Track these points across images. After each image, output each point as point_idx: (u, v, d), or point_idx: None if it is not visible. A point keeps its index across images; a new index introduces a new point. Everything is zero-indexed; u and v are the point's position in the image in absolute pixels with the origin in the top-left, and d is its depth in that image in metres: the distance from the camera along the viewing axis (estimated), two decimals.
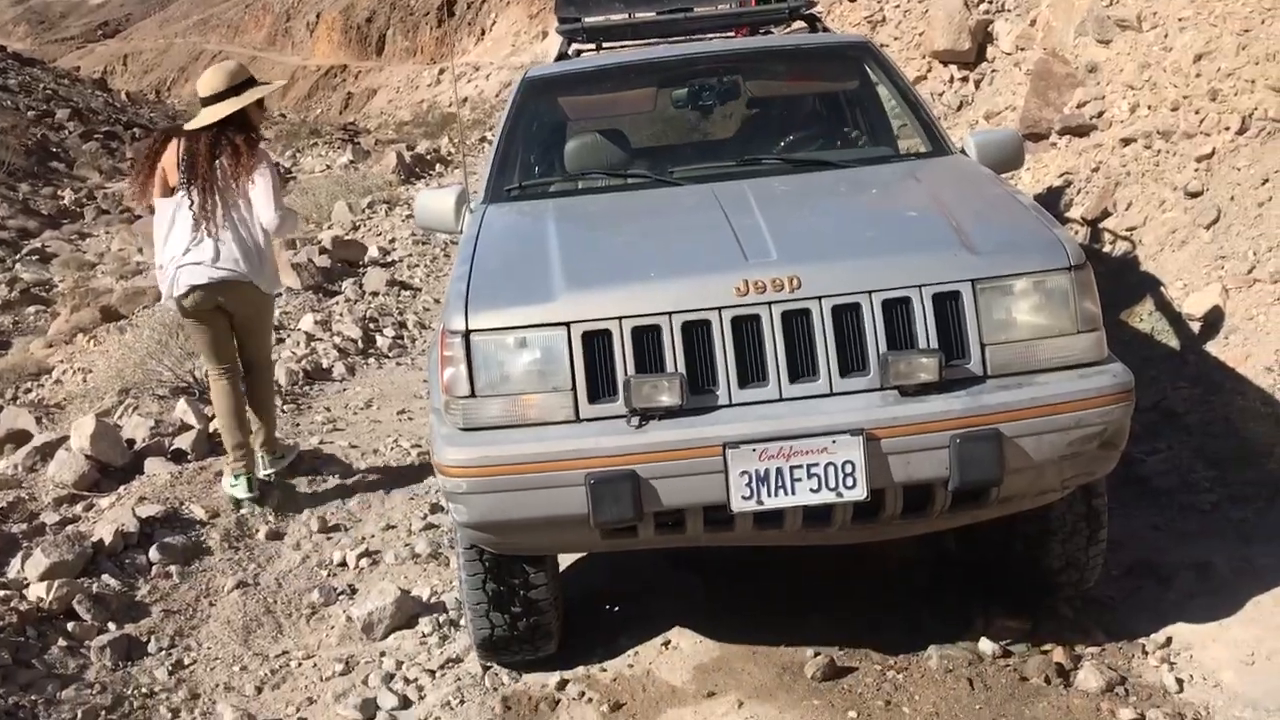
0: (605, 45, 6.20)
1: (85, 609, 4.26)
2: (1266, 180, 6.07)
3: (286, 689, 3.91)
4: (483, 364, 3.20)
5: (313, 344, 8.23)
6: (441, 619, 4.26)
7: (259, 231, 5.07)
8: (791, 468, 3.04)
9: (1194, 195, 6.47)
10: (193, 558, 4.76)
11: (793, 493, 3.05)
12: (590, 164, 4.82)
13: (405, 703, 3.75)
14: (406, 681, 3.87)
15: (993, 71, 11.35)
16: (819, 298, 3.13)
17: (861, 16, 14.21)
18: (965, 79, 11.62)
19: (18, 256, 15.49)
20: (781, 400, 3.12)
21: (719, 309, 3.14)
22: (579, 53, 6.21)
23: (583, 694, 3.67)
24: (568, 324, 3.17)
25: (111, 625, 4.25)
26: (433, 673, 3.91)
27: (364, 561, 4.81)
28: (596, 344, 3.16)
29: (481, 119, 34.52)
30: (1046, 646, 3.69)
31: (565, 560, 4.35)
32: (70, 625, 4.19)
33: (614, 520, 3.09)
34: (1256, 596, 3.74)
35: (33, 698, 3.74)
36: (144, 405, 6.58)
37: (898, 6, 13.82)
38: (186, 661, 4.09)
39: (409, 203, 16.10)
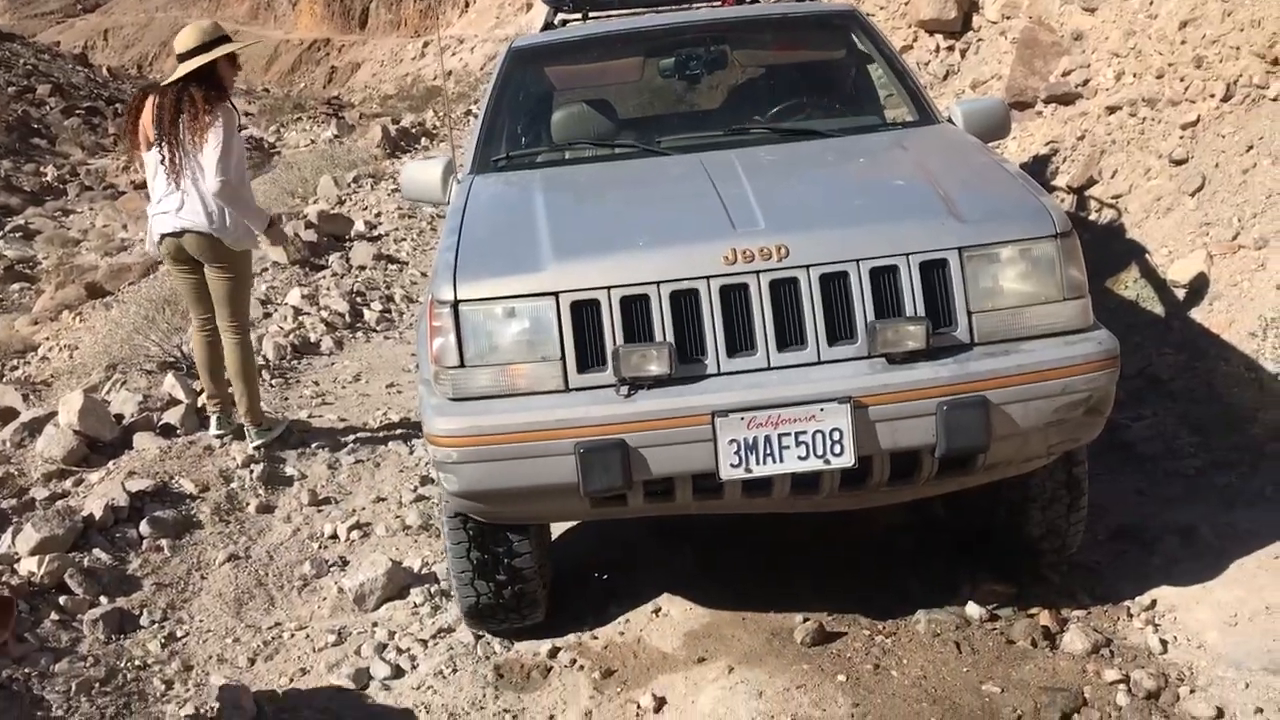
0: (591, 15, 6.17)
1: (77, 583, 4.27)
2: (1251, 147, 6.09)
3: (279, 660, 3.93)
4: (471, 334, 3.20)
5: (300, 318, 8.20)
6: (433, 589, 4.29)
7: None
8: (780, 435, 3.06)
9: (1179, 163, 6.50)
10: (183, 531, 4.77)
11: (781, 460, 3.07)
12: (577, 134, 4.82)
13: (398, 672, 3.78)
14: (399, 651, 3.89)
15: (979, 40, 11.35)
16: (807, 266, 3.14)
17: None
18: (951, 48, 11.61)
19: (1, 234, 15.39)
20: (770, 369, 3.14)
21: (707, 278, 3.15)
22: (565, 23, 6.18)
23: (574, 661, 3.70)
24: (556, 294, 3.17)
25: (103, 599, 4.26)
26: (425, 642, 3.94)
27: (355, 534, 4.82)
28: (585, 314, 3.17)
29: (466, 92, 34.30)
30: (1033, 610, 3.73)
31: (556, 530, 4.38)
32: (62, 599, 4.20)
33: (603, 489, 3.11)
34: (1239, 559, 3.78)
35: (26, 670, 3.75)
36: (132, 380, 6.56)
37: None
38: (179, 634, 4.11)
39: (394, 176, 16.02)
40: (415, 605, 4.18)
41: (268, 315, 8.31)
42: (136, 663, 3.89)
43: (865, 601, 3.80)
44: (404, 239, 11.40)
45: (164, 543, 4.66)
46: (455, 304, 3.21)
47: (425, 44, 51.98)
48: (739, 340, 3.16)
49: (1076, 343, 3.19)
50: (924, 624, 3.66)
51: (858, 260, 3.15)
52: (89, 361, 7.54)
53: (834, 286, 3.16)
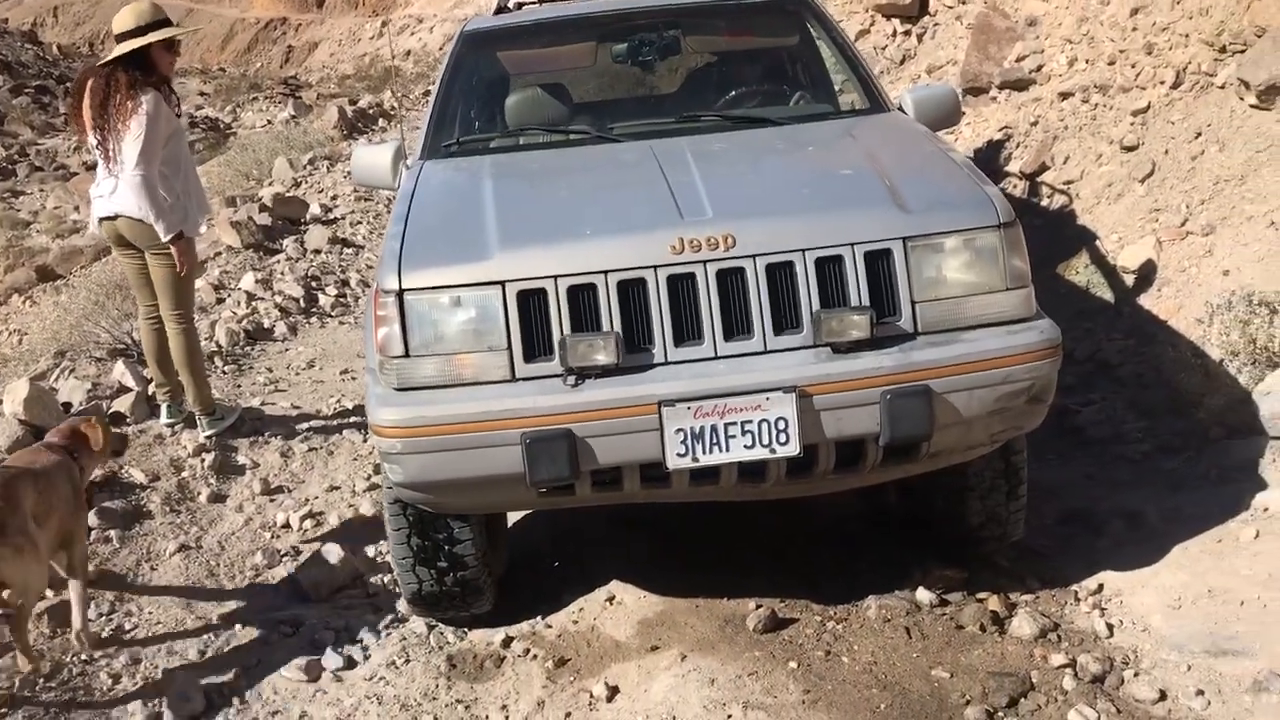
0: None
1: None
2: (1199, 134, 6.16)
3: (230, 652, 3.90)
4: (417, 323, 3.20)
5: (254, 303, 8.12)
6: (386, 579, 4.28)
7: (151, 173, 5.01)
8: (726, 425, 3.08)
9: (1130, 149, 6.57)
10: (133, 522, 4.71)
11: (727, 449, 3.10)
12: (530, 119, 4.80)
13: (350, 663, 3.76)
14: (352, 642, 3.88)
15: (935, 25, 11.40)
16: (753, 256, 3.16)
17: None
18: (908, 32, 11.65)
19: None
20: (716, 358, 3.16)
21: (655, 267, 3.16)
22: (520, 5, 6.13)
23: (528, 651, 3.70)
24: (503, 283, 3.17)
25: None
26: (378, 633, 3.92)
27: (308, 523, 4.79)
28: (532, 303, 3.17)
29: (424, 72, 34.03)
30: (982, 595, 3.77)
31: (511, 517, 4.38)
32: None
33: (550, 479, 3.12)
34: (1183, 543, 3.84)
35: None
36: (80, 368, 6.47)
37: None
38: (128, 626, 4.06)
39: (351, 158, 15.84)
40: (368, 595, 4.16)
41: (221, 300, 8.22)
42: (83, 656, 3.85)
43: (817, 588, 3.83)
44: (360, 222, 11.31)
45: (113, 533, 4.60)
46: (400, 293, 3.20)
47: (383, 23, 51.50)
48: (686, 330, 3.17)
49: (1019, 332, 3.23)
50: (875, 610, 3.69)
51: (803, 250, 3.18)
52: (37, 348, 7.43)
53: (780, 276, 3.18)
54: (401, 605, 4.04)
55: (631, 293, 3.17)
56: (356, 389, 6.34)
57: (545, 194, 3.95)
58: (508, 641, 3.76)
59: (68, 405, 5.72)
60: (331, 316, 8.23)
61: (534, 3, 6.12)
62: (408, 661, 3.73)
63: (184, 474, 5.13)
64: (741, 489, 3.34)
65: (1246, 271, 5.20)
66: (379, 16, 55.63)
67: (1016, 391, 3.21)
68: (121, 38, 5.03)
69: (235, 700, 3.62)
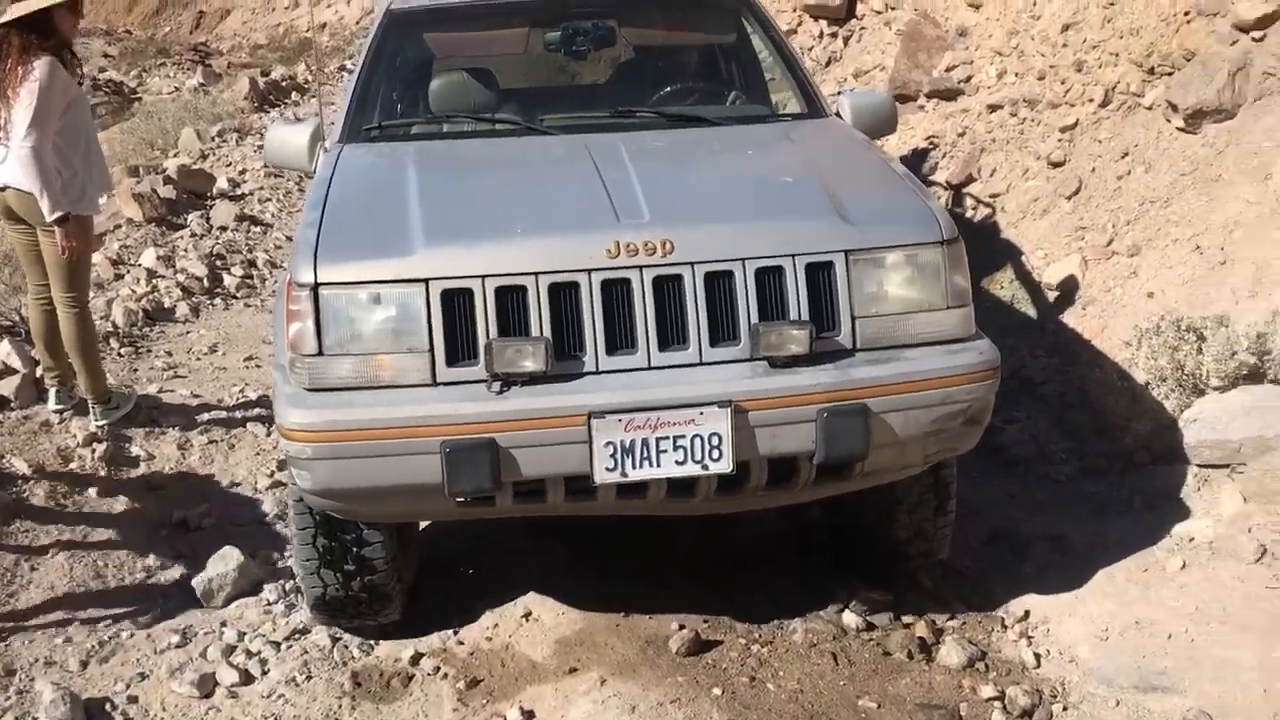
0: None
1: None
2: (1126, 154, 6.18)
3: (115, 663, 3.64)
4: (332, 320, 3.01)
5: (154, 281, 7.74)
6: (288, 586, 4.05)
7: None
8: (658, 439, 2.96)
9: (1056, 165, 6.57)
10: (12, 517, 4.38)
11: (658, 465, 2.98)
12: (456, 105, 4.61)
13: (247, 678, 3.53)
14: (249, 654, 3.65)
15: (862, 29, 11.36)
16: (692, 263, 3.04)
17: None
18: (835, 34, 11.60)
19: None
20: (650, 369, 3.03)
21: (589, 271, 3.02)
22: None
23: (438, 669, 3.51)
24: (426, 280, 3.00)
25: None
26: (277, 645, 3.70)
27: (205, 522, 4.53)
28: (457, 303, 3.01)
29: (340, 46, 33.21)
30: (908, 619, 3.70)
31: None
32: None
33: (470, 491, 2.97)
34: (1108, 569, 3.80)
35: None
36: None
37: None
38: (2, 633, 3.77)
39: (262, 132, 15.35)
40: (268, 603, 3.94)
41: (119, 277, 7.82)
42: None
43: (741, 608, 3.71)
44: (269, 199, 10.91)
45: None
46: (315, 286, 3.00)
47: None
48: (619, 338, 3.04)
49: (958, 352, 3.17)
50: (801, 633, 3.58)
51: (743, 259, 3.07)
52: None
53: (718, 285, 3.06)
54: (303, 616, 3.81)
55: (563, 297, 3.02)
56: (260, 378, 6.05)
57: (473, 187, 3.75)
58: (417, 658, 3.57)
59: None
60: (236, 298, 7.89)
61: None
62: (309, 678, 3.51)
63: (72, 465, 4.82)
64: (669, 504, 3.21)
65: (1171, 294, 5.21)
66: None
67: (954, 413, 3.15)
68: None
69: (119, 717, 3.37)
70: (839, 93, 6.99)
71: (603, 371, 3.01)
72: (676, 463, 2.97)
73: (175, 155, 13.12)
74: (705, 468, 2.98)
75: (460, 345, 3.00)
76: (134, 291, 7.40)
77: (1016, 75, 7.31)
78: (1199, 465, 4.08)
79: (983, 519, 4.35)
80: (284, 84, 20.79)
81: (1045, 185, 6.56)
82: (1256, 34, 5.67)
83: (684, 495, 3.15)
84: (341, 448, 2.96)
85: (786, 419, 3.01)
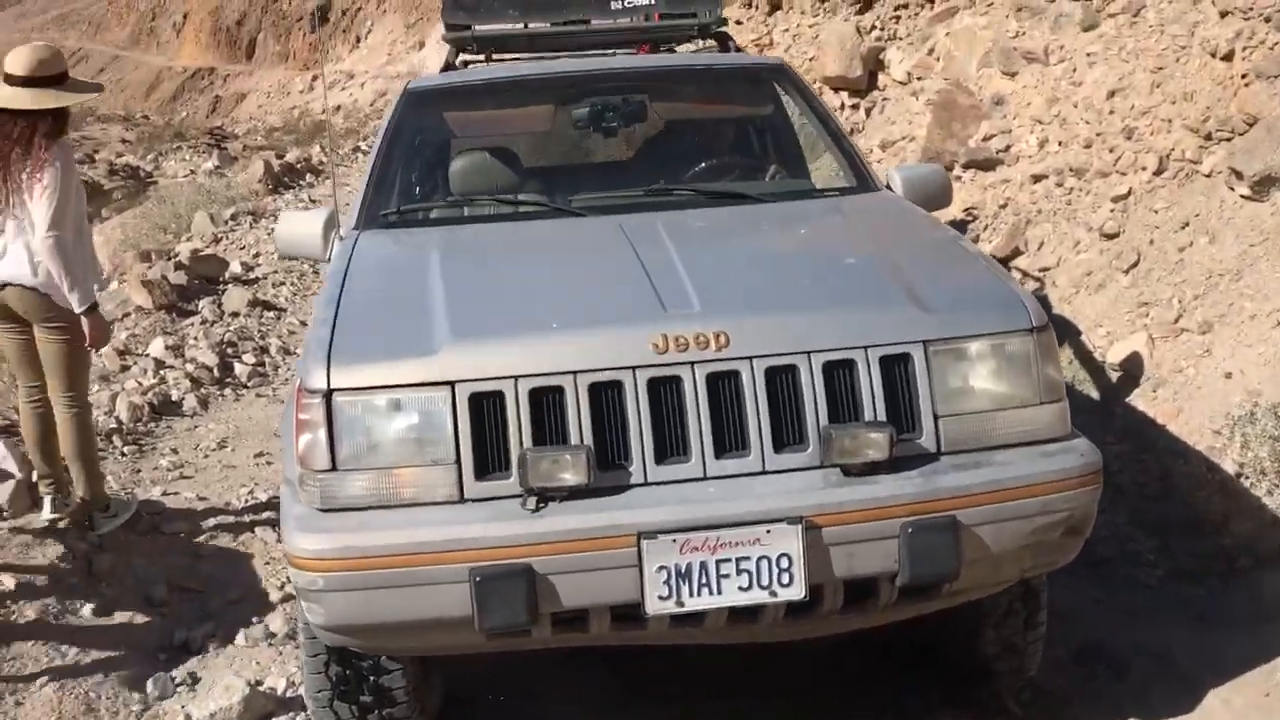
0: (496, 57, 5.66)
1: None
2: (1187, 224, 5.84)
3: None
4: (346, 430, 2.67)
5: (162, 372, 7.42)
6: (300, 718, 3.63)
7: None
8: (718, 561, 2.60)
9: (1110, 236, 6.23)
10: None
11: (719, 592, 2.61)
12: (480, 188, 4.28)
13: None
14: None
15: (884, 100, 11.17)
16: (750, 358, 2.71)
17: (748, 40, 13.95)
18: (856, 106, 11.41)
19: None
20: (706, 479, 2.68)
21: (633, 369, 2.68)
22: (467, 64, 5.65)
23: None
24: (452, 383, 2.68)
25: None
26: None
27: (209, 643, 4.13)
28: (486, 408, 2.67)
29: (355, 128, 33.55)
30: None
31: None
32: None
33: (504, 626, 2.61)
34: (1222, 692, 3.37)
35: None
36: None
37: (786, 30, 13.56)
38: None
39: (276, 214, 15.21)
40: None
41: (125, 368, 7.49)
42: None
43: None
44: (283, 283, 10.66)
45: None
46: (328, 393, 2.67)
47: (314, 77, 50.97)
48: (670, 444, 2.69)
49: (1055, 454, 2.81)
50: None
51: (809, 352, 2.72)
52: None
53: (781, 382, 2.72)
54: None
55: (605, 398, 2.68)
56: (271, 476, 5.68)
57: (501, 277, 3.41)
58: None
59: None
60: (248, 388, 7.56)
61: (480, 62, 5.64)
62: None
63: (66, 580, 4.43)
64: (730, 632, 2.84)
65: (1253, 375, 4.82)
66: (309, 70, 55.04)
67: (1054, 524, 2.78)
68: (25, 81, 4.39)
69: None
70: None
71: (652, 483, 2.67)
72: (740, 589, 2.61)
73: (188, 239, 12.94)
74: (774, 594, 2.62)
75: (490, 456, 2.67)
76: (140, 384, 7.08)
77: (1060, 144, 7.00)
78: None
79: (1070, 629, 3.91)
80: (299, 166, 20.76)
81: (1099, 258, 6.20)
82: None
83: (747, 622, 2.78)
84: (358, 578, 2.61)
85: (866, 535, 2.65)
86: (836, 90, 11.76)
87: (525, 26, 5.46)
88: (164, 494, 5.38)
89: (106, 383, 6.98)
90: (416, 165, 4.53)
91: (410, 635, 2.76)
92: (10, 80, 4.37)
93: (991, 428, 2.80)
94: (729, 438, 2.70)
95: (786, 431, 2.71)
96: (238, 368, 7.84)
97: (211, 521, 5.08)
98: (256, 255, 11.97)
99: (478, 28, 5.40)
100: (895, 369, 2.76)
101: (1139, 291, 5.78)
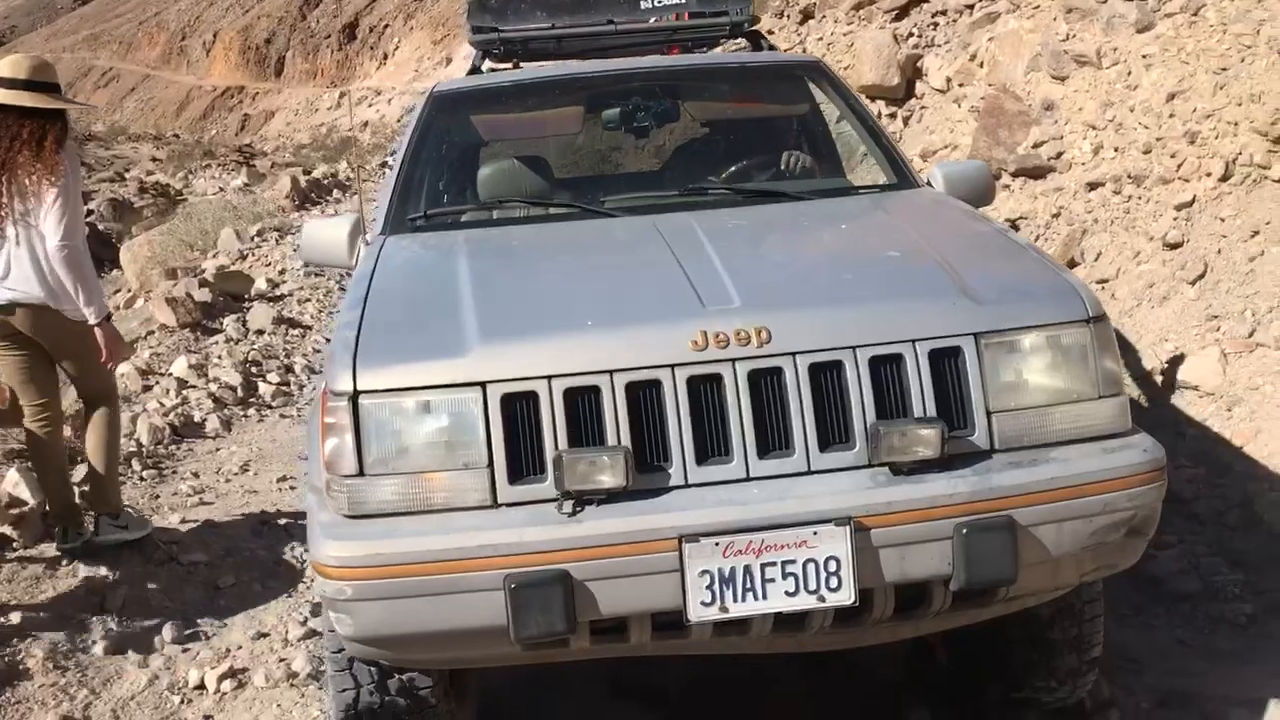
0: (523, 61, 5.44)
1: None
2: (1257, 233, 5.51)
3: None
4: (375, 434, 2.57)
5: (184, 392, 7.22)
6: None
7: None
8: (763, 565, 2.49)
9: (1173, 246, 5.91)
10: (4, 684, 3.77)
11: (764, 596, 2.50)
12: (508, 191, 4.18)
13: None
14: None
15: (921, 108, 10.91)
16: (793, 354, 2.59)
17: (782, 49, 13.74)
18: (894, 115, 11.16)
19: None
20: (749, 480, 2.57)
21: (672, 366, 2.57)
22: (493, 69, 5.44)
23: None
24: (483, 384, 2.57)
25: None
26: None
27: (227, 684, 3.87)
28: (519, 409, 2.56)
29: (382, 144, 33.62)
30: None
31: None
32: None
33: (541, 634, 2.49)
34: None
35: None
36: None
37: (820, 39, 13.33)
38: None
39: (301, 233, 15.07)
40: None
41: (148, 389, 7.30)
42: None
43: None
44: (309, 300, 10.47)
45: None
46: (354, 395, 2.57)
47: (341, 94, 51.22)
48: (711, 444, 2.58)
49: (1116, 450, 2.67)
50: None
51: (854, 347, 2.61)
52: None
53: (826, 379, 2.61)
54: None
55: (643, 398, 2.58)
56: (294, 501, 5.46)
57: (532, 277, 3.27)
58: None
59: None
60: (272, 408, 7.35)
61: (507, 66, 5.43)
62: None
63: (78, 616, 4.20)
64: (774, 641, 2.73)
65: None
66: (337, 87, 55.26)
67: (1116, 524, 2.63)
68: (34, 86, 4.22)
69: None
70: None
71: (692, 485, 2.56)
72: (787, 594, 2.50)
73: (214, 256, 12.81)
74: (822, 599, 2.50)
75: (524, 459, 2.56)
76: (162, 405, 6.88)
77: (1116, 150, 6.68)
78: None
79: (1152, 674, 3.61)
80: (325, 181, 20.73)
81: (1162, 269, 5.88)
82: None
83: (794, 630, 2.66)
84: (387, 586, 2.50)
85: (918, 537, 2.53)
86: (873, 99, 11.50)
87: (552, 28, 5.25)
88: (183, 521, 5.14)
89: (128, 403, 6.77)
90: (444, 169, 4.38)
91: (442, 646, 2.65)
92: (7, 84, 4.18)
93: (1047, 423, 2.67)
94: (772, 437, 2.59)
95: (832, 430, 2.60)
96: (262, 387, 7.65)
97: (232, 552, 4.84)
98: (282, 272, 11.81)
99: (503, 30, 5.20)
100: (945, 363, 2.64)
101: (1207, 304, 5.46)
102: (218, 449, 6.40)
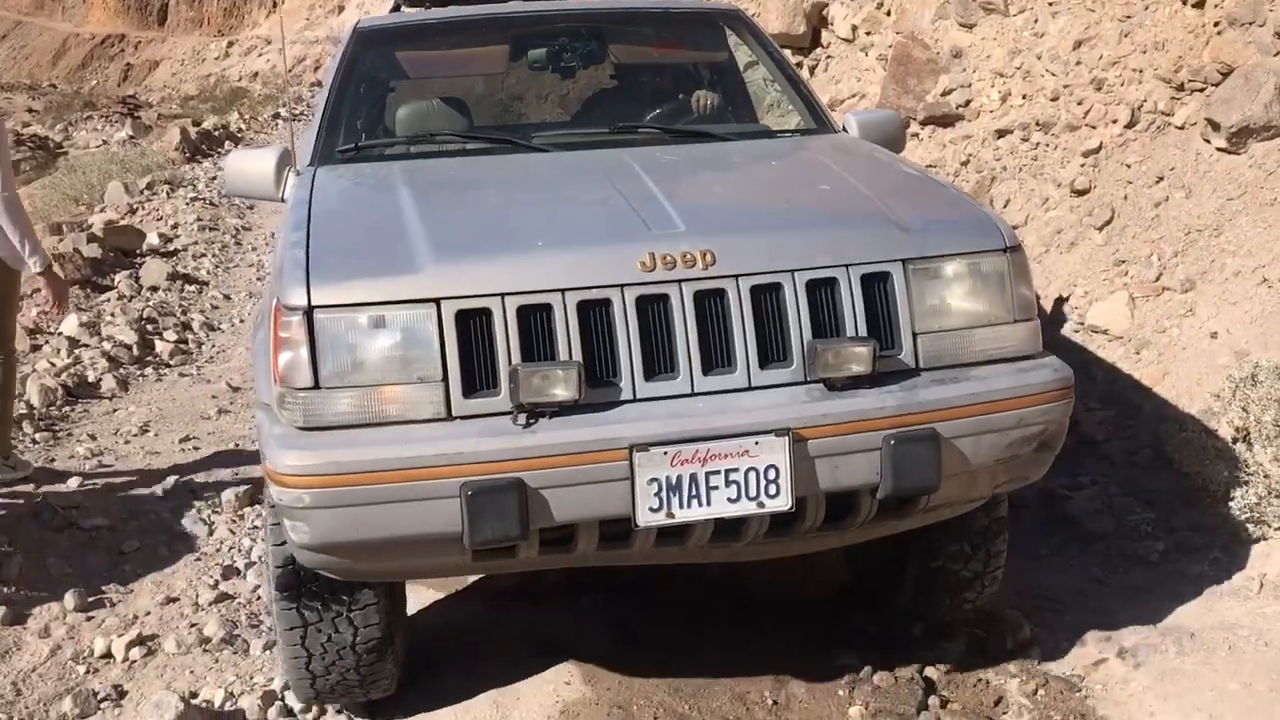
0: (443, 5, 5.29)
1: None
2: (1161, 178, 5.62)
3: None
4: (329, 348, 2.62)
5: (76, 351, 6.91)
6: None
7: None
8: (708, 473, 2.62)
9: (1081, 193, 5.99)
10: None
11: (708, 503, 2.63)
12: (438, 126, 4.15)
13: None
14: None
15: (828, 57, 10.90)
16: (736, 276, 2.72)
17: None
18: (799, 64, 11.13)
19: None
20: (694, 395, 2.69)
21: (621, 286, 2.68)
22: (398, 8, 5.28)
23: None
24: (438, 300, 2.63)
25: None
26: None
27: (135, 651, 3.71)
28: (473, 325, 2.64)
29: (274, 94, 32.65)
30: None
31: None
32: None
33: (496, 539, 2.57)
34: (1240, 675, 3.13)
35: None
36: None
37: None
38: None
39: (194, 183, 14.58)
40: None
41: (36, 348, 6.98)
42: None
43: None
44: (204, 254, 10.15)
45: None
46: (309, 310, 2.61)
47: (230, 44, 49.55)
48: (658, 361, 2.70)
49: (1029, 369, 2.88)
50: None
51: (793, 270, 2.75)
52: None
53: (766, 300, 2.75)
54: None
55: (594, 316, 2.67)
56: (200, 463, 5.25)
57: (477, 202, 3.34)
58: None
59: None
60: (170, 366, 7.09)
61: (422, 6, 5.26)
62: None
63: None
64: (711, 550, 2.86)
65: (1239, 334, 4.62)
66: (224, 36, 53.45)
67: (1028, 437, 2.83)
68: None
69: None
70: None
71: (641, 400, 2.67)
72: (729, 500, 2.63)
73: (101, 210, 12.29)
74: (761, 505, 2.64)
75: (478, 373, 2.64)
76: (53, 365, 6.57)
77: (1024, 97, 6.75)
78: None
79: (1071, 610, 3.67)
80: (216, 133, 20.06)
81: (1070, 215, 5.97)
82: None
83: (729, 539, 2.81)
84: (344, 494, 2.55)
85: (850, 448, 2.69)
86: (780, 48, 11.45)
87: None
88: (82, 486, 4.92)
89: (18, 361, 6.44)
90: (369, 105, 4.33)
91: (395, 555, 2.72)
92: None
93: (967, 345, 2.85)
94: (715, 355, 2.71)
95: (771, 348, 2.73)
96: (159, 345, 7.37)
97: (135, 516, 4.64)
98: (175, 226, 11.40)
99: None
100: (876, 287, 2.79)
101: (1114, 250, 5.55)
102: (115, 410, 6.14)
